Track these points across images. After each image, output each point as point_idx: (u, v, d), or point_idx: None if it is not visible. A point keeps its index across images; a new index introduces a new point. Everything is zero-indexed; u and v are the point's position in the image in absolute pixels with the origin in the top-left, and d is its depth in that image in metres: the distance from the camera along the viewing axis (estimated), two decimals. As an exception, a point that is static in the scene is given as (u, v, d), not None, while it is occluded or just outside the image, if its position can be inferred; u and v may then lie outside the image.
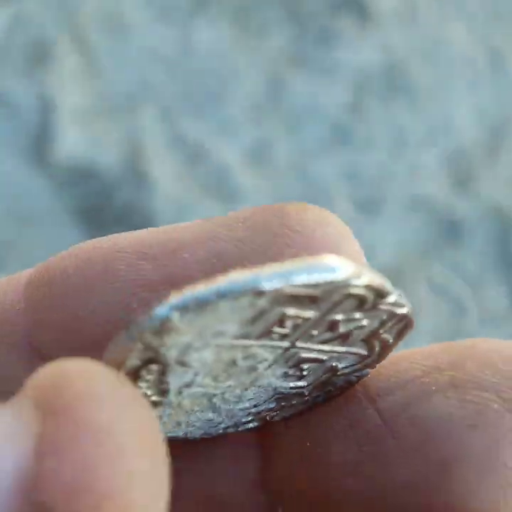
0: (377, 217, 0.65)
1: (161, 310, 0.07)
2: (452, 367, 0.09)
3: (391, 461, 0.08)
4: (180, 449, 0.08)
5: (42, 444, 0.06)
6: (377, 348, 0.08)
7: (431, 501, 0.08)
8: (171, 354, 0.07)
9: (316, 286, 0.07)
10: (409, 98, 0.70)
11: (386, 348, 0.08)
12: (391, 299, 0.08)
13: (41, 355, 0.09)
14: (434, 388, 0.09)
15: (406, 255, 0.66)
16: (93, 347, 0.08)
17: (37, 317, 0.09)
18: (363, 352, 0.08)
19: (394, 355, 0.09)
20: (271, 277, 0.07)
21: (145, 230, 0.09)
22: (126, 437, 0.06)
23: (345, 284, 0.07)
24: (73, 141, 0.68)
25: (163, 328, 0.07)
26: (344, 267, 0.07)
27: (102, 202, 0.66)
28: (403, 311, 0.08)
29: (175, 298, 0.07)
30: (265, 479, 0.09)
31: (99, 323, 0.08)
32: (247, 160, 0.68)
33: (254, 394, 0.08)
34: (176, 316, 0.07)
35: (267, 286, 0.07)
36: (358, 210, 0.62)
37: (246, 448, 0.09)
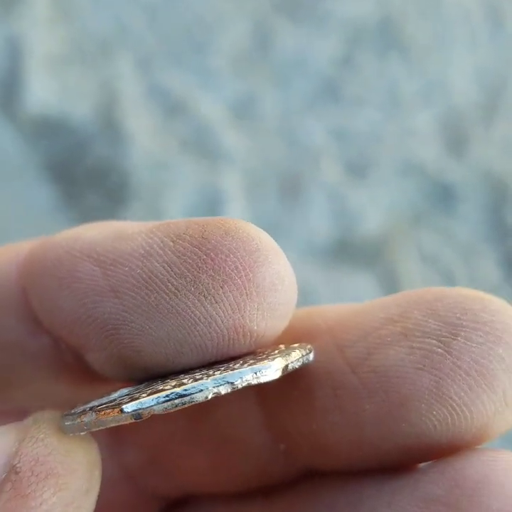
0: (367, 181, 0.65)
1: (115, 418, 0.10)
2: (402, 318, 0.11)
3: (359, 400, 0.11)
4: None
5: (16, 459, 0.10)
6: None
7: (394, 430, 0.11)
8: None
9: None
10: (404, 54, 0.69)
11: None
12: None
13: (36, 320, 0.12)
14: (389, 339, 0.11)
15: (396, 221, 0.65)
16: (67, 325, 0.11)
17: (30, 291, 0.11)
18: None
19: (357, 307, 0.12)
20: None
21: (97, 230, 0.11)
22: (64, 469, 0.10)
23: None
24: (44, 91, 0.66)
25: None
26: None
27: (75, 157, 0.65)
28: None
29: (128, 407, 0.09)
30: (267, 422, 0.12)
31: (66, 313, 0.11)
32: (230, 115, 0.67)
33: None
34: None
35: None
36: (347, 173, 0.61)
37: (249, 398, 0.12)
